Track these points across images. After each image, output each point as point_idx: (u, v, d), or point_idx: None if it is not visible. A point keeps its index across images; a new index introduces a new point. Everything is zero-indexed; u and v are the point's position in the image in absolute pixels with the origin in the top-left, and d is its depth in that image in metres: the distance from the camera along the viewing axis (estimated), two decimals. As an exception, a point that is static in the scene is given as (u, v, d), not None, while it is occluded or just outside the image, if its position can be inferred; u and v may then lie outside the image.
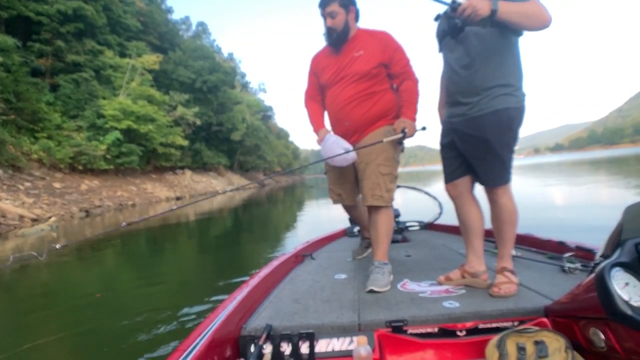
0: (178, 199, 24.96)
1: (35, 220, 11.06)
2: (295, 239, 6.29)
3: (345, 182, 2.10)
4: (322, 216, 9.58)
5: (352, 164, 1.95)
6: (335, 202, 2.18)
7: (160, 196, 24.11)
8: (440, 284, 1.76)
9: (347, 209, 2.31)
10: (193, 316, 2.74)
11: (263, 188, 40.04)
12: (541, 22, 1.35)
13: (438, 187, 1.66)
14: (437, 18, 1.57)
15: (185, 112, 31.76)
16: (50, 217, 11.81)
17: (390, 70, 1.89)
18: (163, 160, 29.21)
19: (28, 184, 15.04)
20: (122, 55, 28.22)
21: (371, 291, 1.65)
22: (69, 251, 6.34)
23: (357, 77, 1.85)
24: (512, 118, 1.50)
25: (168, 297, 3.41)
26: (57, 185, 17.12)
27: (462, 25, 1.32)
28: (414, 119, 1.85)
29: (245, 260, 4.90)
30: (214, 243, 6.67)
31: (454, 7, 1.27)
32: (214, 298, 3.12)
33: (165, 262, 5.28)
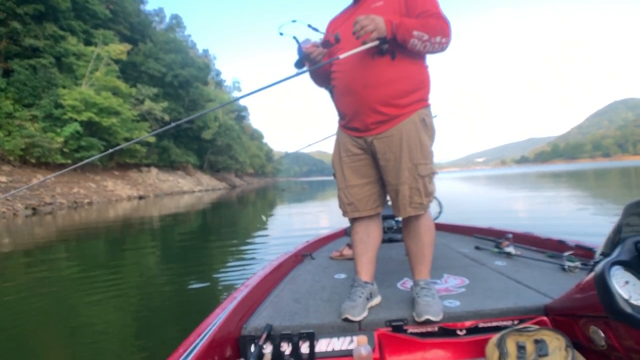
0: (141, 198, 23.75)
1: (-32, 217, 9.99)
2: (269, 245, 5.83)
3: (363, 184, 1.54)
4: (295, 223, 9.17)
5: (372, 156, 1.50)
6: (345, 214, 1.58)
7: (121, 194, 22.88)
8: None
9: (357, 224, 1.57)
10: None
11: (234, 189, 39.11)
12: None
13: (438, 186, 1.62)
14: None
15: (153, 107, 30.53)
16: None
17: (412, 16, 1.38)
18: (127, 157, 27.89)
19: (-33, 176, 13.73)
20: (88, 43, 26.75)
21: (427, 321, 1.31)
22: (14, 254, 5.77)
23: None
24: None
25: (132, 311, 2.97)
26: (2, 179, 15.79)
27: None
28: (391, 26, 1.27)
29: (208, 273, 4.22)
30: (177, 252, 6.04)
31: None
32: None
33: (127, 270, 4.58)
